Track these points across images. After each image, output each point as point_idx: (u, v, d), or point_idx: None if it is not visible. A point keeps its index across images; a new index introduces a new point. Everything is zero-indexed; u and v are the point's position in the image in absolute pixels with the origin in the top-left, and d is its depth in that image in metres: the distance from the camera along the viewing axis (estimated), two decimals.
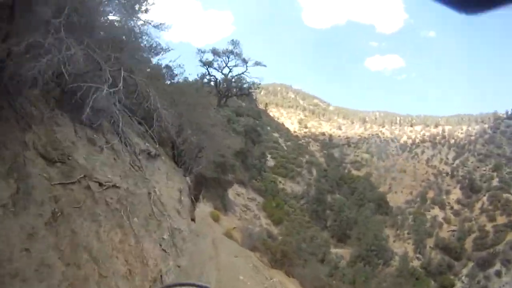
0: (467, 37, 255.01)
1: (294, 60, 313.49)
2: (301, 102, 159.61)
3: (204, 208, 27.02)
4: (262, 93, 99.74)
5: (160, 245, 8.38)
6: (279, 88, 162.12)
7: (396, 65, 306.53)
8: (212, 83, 43.51)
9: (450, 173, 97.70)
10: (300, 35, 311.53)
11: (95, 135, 7.74)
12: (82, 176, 6.38)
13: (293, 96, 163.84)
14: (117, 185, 7.37)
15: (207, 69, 42.50)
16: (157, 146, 11.55)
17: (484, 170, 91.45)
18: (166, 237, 8.78)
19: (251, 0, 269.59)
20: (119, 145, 8.57)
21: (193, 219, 16.82)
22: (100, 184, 6.84)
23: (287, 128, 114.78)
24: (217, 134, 17.19)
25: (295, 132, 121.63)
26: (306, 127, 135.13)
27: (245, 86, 40.88)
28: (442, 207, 77.37)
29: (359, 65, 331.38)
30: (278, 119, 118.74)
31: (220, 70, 41.13)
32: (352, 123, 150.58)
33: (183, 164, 14.14)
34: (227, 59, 37.63)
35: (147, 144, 10.65)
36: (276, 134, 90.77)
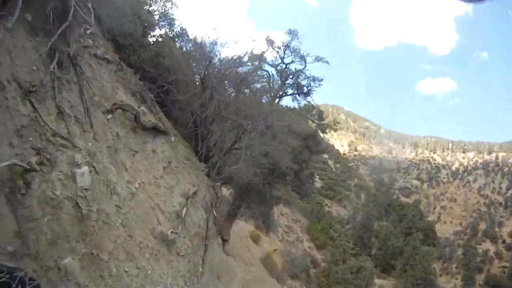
0: None
1: (345, 81, 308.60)
2: (352, 124, 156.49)
3: (245, 226, 25.61)
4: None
5: None
6: (330, 109, 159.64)
7: (448, 88, 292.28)
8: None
9: (503, 203, 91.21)
10: (352, 56, 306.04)
11: None
12: None
13: (344, 117, 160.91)
14: None
15: (259, 62, 36.57)
16: (158, 116, 7.95)
17: None
18: None
19: (304, 21, 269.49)
20: None
21: (226, 240, 14.88)
22: None
23: (337, 150, 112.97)
24: (270, 111, 10.77)
25: (344, 154, 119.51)
26: (356, 150, 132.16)
27: (303, 83, 35.64)
28: (494, 240, 72.07)
29: (411, 87, 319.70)
30: (328, 140, 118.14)
31: (274, 66, 36.34)
32: (403, 147, 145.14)
33: (208, 157, 9.30)
34: (282, 53, 33.22)
35: (142, 108, 7.25)
36: (325, 156, 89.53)
